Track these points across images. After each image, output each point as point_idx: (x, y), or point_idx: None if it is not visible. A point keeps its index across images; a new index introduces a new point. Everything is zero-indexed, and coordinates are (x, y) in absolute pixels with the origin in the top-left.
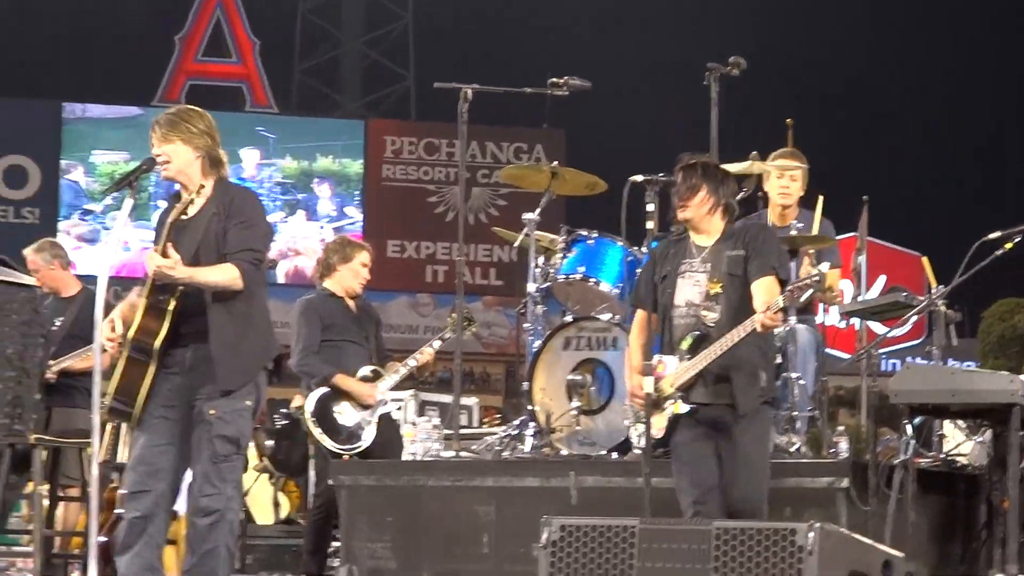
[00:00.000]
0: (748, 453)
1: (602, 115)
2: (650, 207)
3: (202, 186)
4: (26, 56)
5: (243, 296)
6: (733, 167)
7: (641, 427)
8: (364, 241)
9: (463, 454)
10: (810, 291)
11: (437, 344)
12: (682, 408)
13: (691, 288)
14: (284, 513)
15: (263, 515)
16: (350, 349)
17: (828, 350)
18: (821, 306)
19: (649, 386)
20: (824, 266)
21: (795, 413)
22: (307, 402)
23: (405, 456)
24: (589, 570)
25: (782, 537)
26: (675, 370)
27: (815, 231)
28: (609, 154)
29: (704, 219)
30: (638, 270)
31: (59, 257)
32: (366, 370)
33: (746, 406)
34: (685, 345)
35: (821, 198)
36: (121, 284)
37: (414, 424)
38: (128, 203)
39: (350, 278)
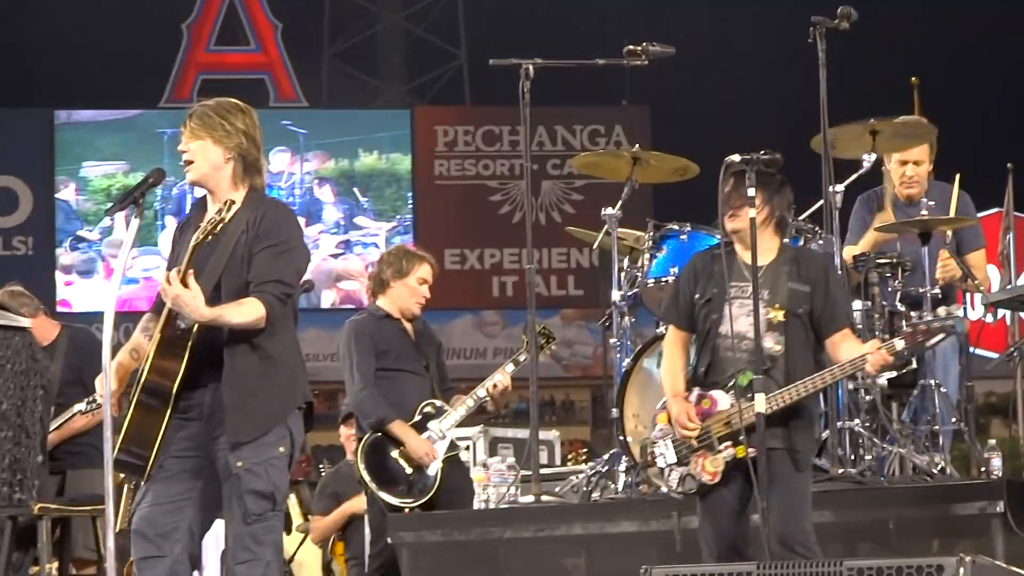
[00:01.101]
0: (787, 487)
1: (691, 87)
2: (751, 192)
3: (231, 202)
4: (10, 56)
5: (267, 331)
6: (846, 130)
7: (683, 471)
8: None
9: (545, 498)
10: (940, 337)
11: (511, 369)
12: (749, 452)
13: (744, 317)
14: None
15: None
16: (408, 380)
17: (973, 349)
18: (964, 296)
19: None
20: (956, 308)
21: (937, 427)
22: (360, 447)
23: (476, 504)
24: None
25: (927, 575)
26: (728, 408)
27: (952, 211)
28: (701, 132)
29: (756, 233)
30: None
31: (27, 307)
32: (427, 405)
33: (803, 459)
34: (743, 380)
35: (958, 177)
36: (129, 320)
37: (485, 466)
38: (135, 224)
39: (406, 296)
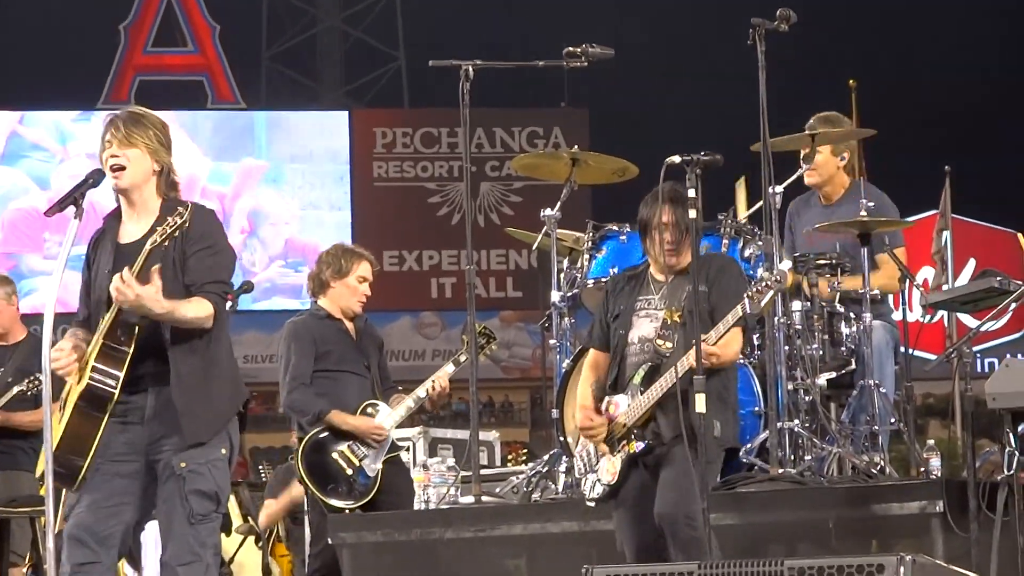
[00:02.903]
0: (677, 470)
1: (629, 88)
2: (691, 192)
3: (184, 209)
4: None
5: (206, 334)
6: (783, 140)
7: (593, 477)
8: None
9: (485, 499)
10: (771, 293)
11: (451, 369)
12: (637, 446)
13: (647, 325)
14: None
15: None
16: (349, 381)
17: (912, 351)
18: (901, 299)
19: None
20: (785, 264)
21: (876, 427)
22: (300, 448)
23: (416, 505)
24: None
25: (868, 574)
26: (627, 408)
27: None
28: (639, 134)
29: (698, 231)
30: None
31: (15, 294)
32: (368, 406)
33: (703, 447)
34: (637, 378)
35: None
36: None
37: (425, 467)
38: (74, 225)
39: (347, 296)
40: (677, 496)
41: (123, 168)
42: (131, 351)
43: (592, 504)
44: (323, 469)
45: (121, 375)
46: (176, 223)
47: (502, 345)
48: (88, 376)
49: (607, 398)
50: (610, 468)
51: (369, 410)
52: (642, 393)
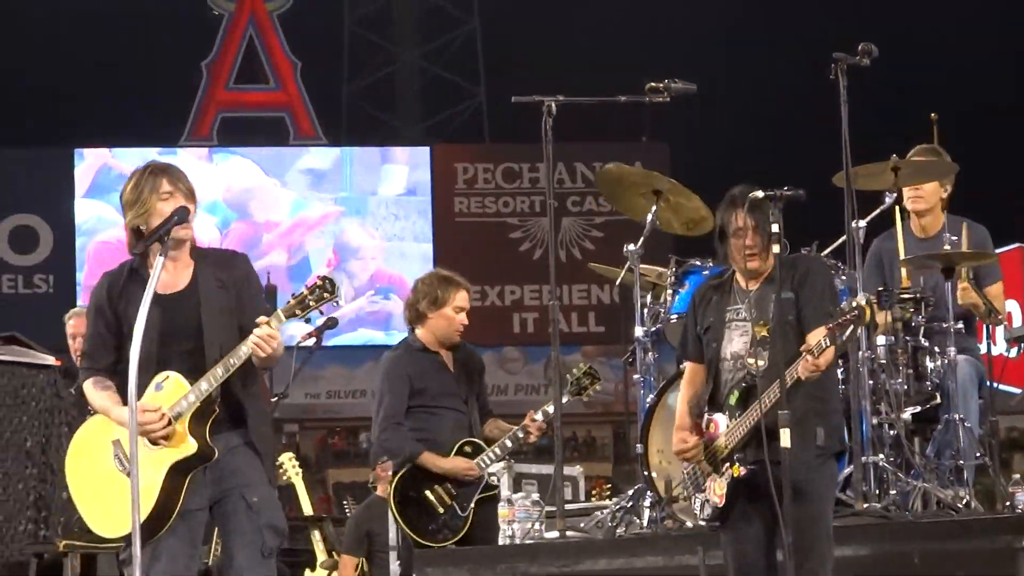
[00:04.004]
0: (801, 519)
1: (711, 123)
2: (775, 227)
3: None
4: (30, 95)
5: (257, 377)
6: (868, 169)
7: (702, 497)
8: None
9: (570, 534)
10: (851, 328)
11: (550, 410)
12: (741, 471)
13: (738, 338)
14: None
15: None
16: (445, 416)
17: (997, 385)
18: (985, 333)
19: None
20: (861, 297)
21: (961, 462)
22: (393, 486)
23: (501, 540)
24: None
25: None
26: (726, 428)
27: (964, 243)
28: (721, 169)
29: (781, 269)
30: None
31: None
32: (465, 443)
33: (797, 469)
34: (733, 399)
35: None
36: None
37: (510, 502)
38: (159, 261)
39: (444, 327)
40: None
41: (191, 222)
42: (217, 410)
43: (704, 523)
44: (416, 507)
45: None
46: (321, 297)
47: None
48: (189, 440)
49: (707, 416)
50: (717, 490)
51: (467, 448)
52: (739, 415)
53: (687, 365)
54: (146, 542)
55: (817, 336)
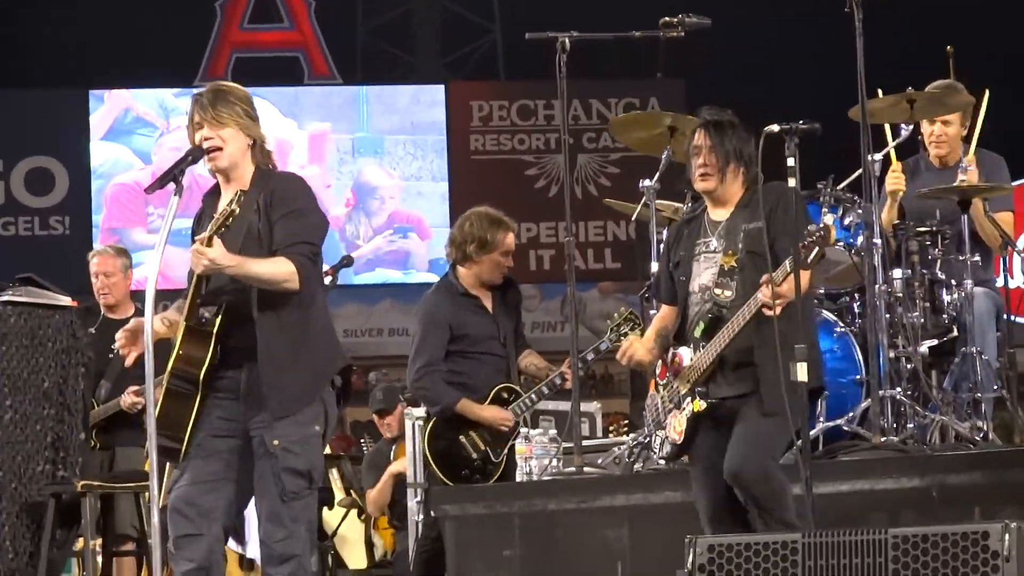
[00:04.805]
0: (747, 426)
1: (726, 58)
2: (791, 161)
3: (242, 192)
4: (43, 37)
5: (296, 301)
6: (884, 101)
7: (662, 434)
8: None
9: (587, 470)
10: (815, 250)
11: (591, 358)
12: (702, 405)
13: (707, 271)
14: (379, 555)
15: (355, 559)
16: (484, 361)
17: (1014, 317)
18: (1002, 266)
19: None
20: (828, 218)
21: (979, 395)
22: (428, 431)
23: (519, 476)
24: None
25: (972, 542)
26: (690, 362)
27: (974, 174)
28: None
29: (727, 190)
30: None
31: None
32: (501, 390)
33: (772, 402)
34: (698, 331)
35: (986, 92)
36: (167, 298)
37: (527, 438)
38: (174, 202)
39: (490, 270)
40: (746, 450)
41: (219, 149)
42: (215, 330)
43: (663, 463)
44: (449, 451)
45: (205, 357)
46: (228, 211)
47: (600, 316)
48: (174, 359)
49: (671, 350)
50: (676, 426)
51: (503, 394)
52: (703, 347)
53: (660, 308)
54: (173, 462)
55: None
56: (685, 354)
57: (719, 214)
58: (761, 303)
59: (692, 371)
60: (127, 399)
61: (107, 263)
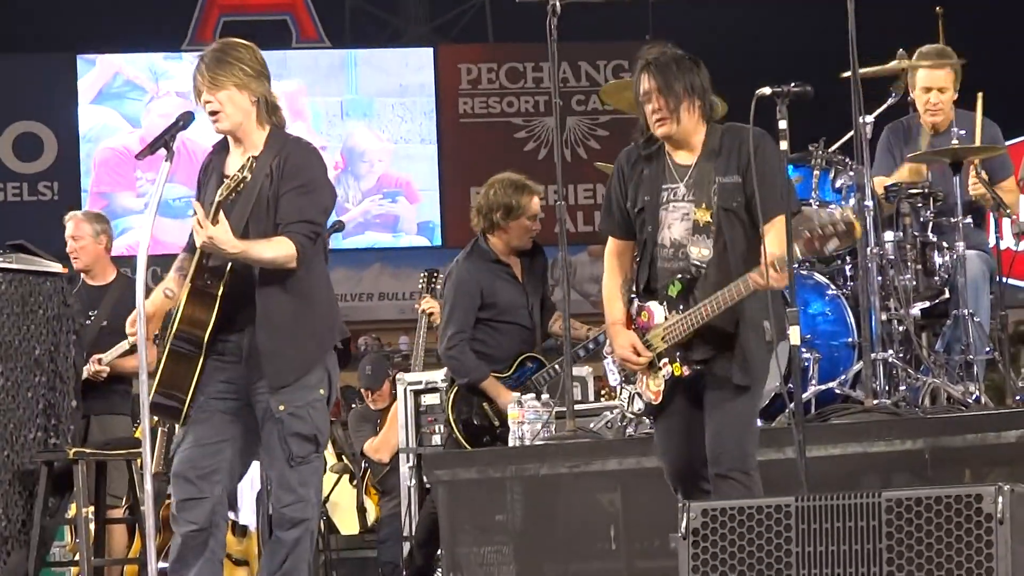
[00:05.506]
0: (728, 407)
1: (714, 20)
2: (782, 124)
3: (253, 159)
4: (27, 2)
5: (298, 271)
6: (875, 70)
7: (631, 389)
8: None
9: (579, 434)
10: (835, 242)
11: (583, 354)
12: (684, 371)
13: (678, 223)
14: (371, 520)
15: (347, 524)
16: (511, 332)
17: (1005, 279)
18: (993, 227)
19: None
20: (849, 211)
21: (971, 357)
22: (451, 398)
23: (511, 441)
24: (739, 559)
25: (966, 505)
26: (664, 321)
27: (977, 138)
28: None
29: (685, 128)
30: None
31: (107, 234)
32: (526, 359)
33: (757, 368)
34: (673, 291)
35: (980, 96)
36: (160, 263)
37: (520, 403)
38: (165, 167)
39: (519, 235)
40: (732, 446)
41: (218, 112)
42: (219, 292)
43: (632, 416)
44: (471, 418)
45: (209, 318)
46: (240, 177)
47: (591, 280)
48: (178, 320)
49: (639, 304)
50: (652, 386)
51: (527, 363)
52: (681, 310)
53: (609, 242)
54: (175, 421)
55: (774, 241)
56: (656, 311)
57: (683, 156)
58: (756, 287)
59: (668, 332)
60: (91, 367)
61: (77, 227)
